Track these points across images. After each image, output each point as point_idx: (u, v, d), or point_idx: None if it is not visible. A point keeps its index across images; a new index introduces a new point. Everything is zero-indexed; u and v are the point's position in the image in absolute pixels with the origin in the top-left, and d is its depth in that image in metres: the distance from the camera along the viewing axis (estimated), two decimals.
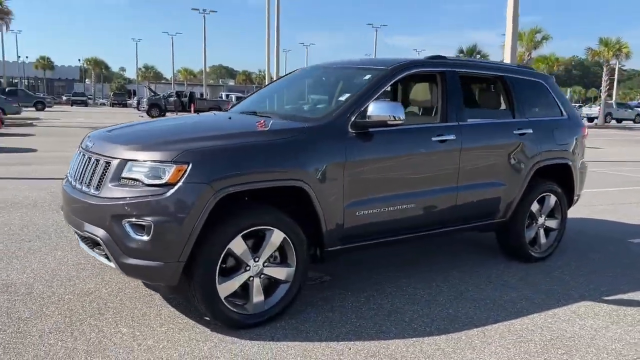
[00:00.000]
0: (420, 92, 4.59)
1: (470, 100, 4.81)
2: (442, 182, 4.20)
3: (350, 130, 3.70)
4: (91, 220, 3.25)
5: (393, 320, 3.61)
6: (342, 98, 4.02)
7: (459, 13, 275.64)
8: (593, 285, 4.45)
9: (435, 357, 3.12)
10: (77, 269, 4.37)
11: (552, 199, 5.01)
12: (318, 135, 3.58)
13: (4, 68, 63.23)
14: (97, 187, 3.26)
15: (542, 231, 5.03)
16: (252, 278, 3.38)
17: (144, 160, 3.15)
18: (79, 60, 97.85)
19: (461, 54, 41.00)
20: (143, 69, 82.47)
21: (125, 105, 56.16)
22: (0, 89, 40.24)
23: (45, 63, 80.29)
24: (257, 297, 3.41)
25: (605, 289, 4.38)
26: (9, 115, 27.84)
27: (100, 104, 67.05)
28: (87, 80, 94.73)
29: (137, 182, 3.13)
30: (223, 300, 3.26)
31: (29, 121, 25.28)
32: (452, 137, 4.20)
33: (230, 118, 4.15)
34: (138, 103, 39.40)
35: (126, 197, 3.11)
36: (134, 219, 3.07)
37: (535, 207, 4.89)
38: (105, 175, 3.24)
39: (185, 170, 3.08)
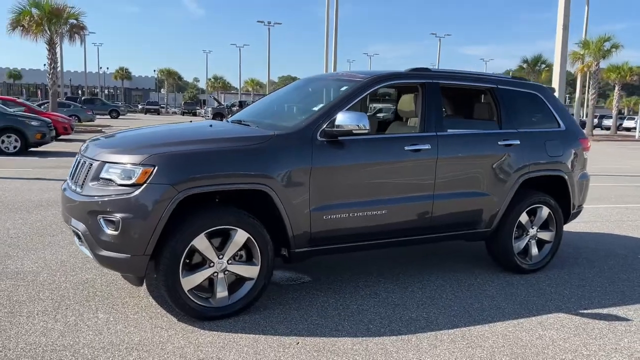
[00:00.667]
0: (405, 103, 4.73)
1: (456, 111, 4.90)
2: (416, 190, 4.32)
3: (319, 138, 3.92)
4: (75, 216, 3.65)
5: (352, 320, 3.77)
6: (316, 108, 4.23)
7: (532, 22, 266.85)
8: (575, 298, 4.41)
9: (376, 355, 3.26)
10: (84, 261, 4.82)
11: (545, 211, 4.98)
12: (283, 143, 3.82)
13: (86, 78, 67.65)
14: (82, 186, 3.65)
15: (533, 243, 5.00)
16: (216, 274, 3.65)
17: (118, 163, 3.52)
18: (154, 71, 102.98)
19: (525, 64, 39.91)
20: (212, 80, 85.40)
21: (194, 114, 58.51)
22: (79, 98, 43.12)
23: (124, 73, 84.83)
24: (221, 291, 3.68)
25: (587, 302, 4.33)
26: (83, 123, 29.93)
27: (172, 113, 70.10)
28: (162, 90, 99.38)
29: (112, 182, 3.50)
30: (186, 292, 3.55)
31: (99, 128, 26.96)
32: (427, 146, 4.31)
33: (211, 126, 4.47)
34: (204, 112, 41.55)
35: (101, 195, 3.48)
36: (106, 215, 3.43)
37: (524, 218, 4.88)
38: (87, 175, 3.63)
39: (151, 172, 3.41)
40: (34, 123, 14.18)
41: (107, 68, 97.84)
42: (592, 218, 7.69)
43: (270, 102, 5.30)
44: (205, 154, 3.60)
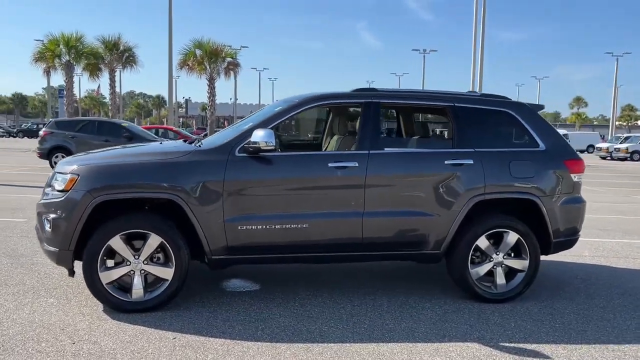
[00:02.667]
0: (347, 122, 4.82)
1: (408, 130, 4.82)
2: (342, 206, 4.37)
3: (238, 154, 4.25)
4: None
5: (253, 326, 3.96)
6: (246, 127, 4.54)
7: None
8: (522, 330, 4.04)
9: (245, 356, 3.46)
10: None
11: (512, 237, 4.60)
12: (198, 157, 4.23)
13: (235, 109, 72.21)
14: (43, 192, 4.45)
15: (499, 271, 4.65)
16: (132, 272, 4.15)
17: (60, 173, 4.24)
18: None
19: None
20: None
21: None
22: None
23: None
24: (137, 288, 4.16)
25: (533, 336, 3.93)
26: None
27: None
28: None
29: (54, 188, 4.22)
30: (104, 286, 4.11)
31: None
32: (354, 164, 4.36)
33: (160, 143, 5.02)
34: None
35: (46, 199, 4.22)
36: (45, 214, 4.16)
37: (483, 242, 4.58)
38: (47, 183, 4.42)
39: (76, 181, 4.06)
40: None
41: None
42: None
43: (239, 123, 5.69)
44: (121, 166, 4.17)
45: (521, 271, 4.68)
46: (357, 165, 4.37)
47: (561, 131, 52.39)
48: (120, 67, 32.89)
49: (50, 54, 28.44)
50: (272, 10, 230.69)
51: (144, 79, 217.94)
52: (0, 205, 9.12)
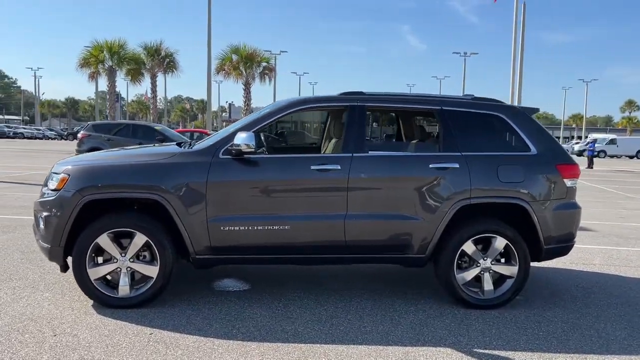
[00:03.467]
0: (335, 125, 4.86)
1: (395, 134, 4.81)
2: (324, 209, 4.41)
3: (221, 156, 4.35)
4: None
5: (230, 325, 4.04)
6: (232, 129, 4.64)
7: None
8: (502, 337, 3.97)
9: (213, 353, 3.55)
10: None
11: (500, 242, 4.53)
12: (183, 159, 4.36)
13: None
14: (40, 191, 4.67)
15: (487, 276, 4.58)
16: (119, 269, 4.31)
17: (54, 173, 4.45)
18: None
19: None
20: None
21: None
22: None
23: None
24: (123, 285, 4.31)
25: (511, 344, 3.86)
26: None
27: None
28: (374, 123, 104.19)
29: (48, 188, 4.43)
30: (92, 281, 4.28)
31: None
32: (336, 167, 4.39)
33: (154, 146, 5.16)
34: None
35: (42, 197, 4.44)
36: (40, 212, 4.37)
37: (469, 247, 4.52)
38: (44, 182, 4.64)
39: (66, 181, 4.26)
40: None
41: None
42: None
43: (231, 125, 5.79)
44: (110, 167, 4.34)
45: (510, 277, 4.60)
46: (339, 168, 4.40)
47: (608, 136, 50.76)
48: (162, 72, 33.84)
49: (94, 60, 29.56)
50: (316, 16, 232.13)
51: (191, 84, 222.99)
52: (28, 204, 9.56)
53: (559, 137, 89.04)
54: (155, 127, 18.46)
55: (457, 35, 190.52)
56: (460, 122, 4.65)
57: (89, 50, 29.80)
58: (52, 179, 4.44)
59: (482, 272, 4.58)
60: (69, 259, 4.33)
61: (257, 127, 4.51)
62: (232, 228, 4.34)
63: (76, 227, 4.25)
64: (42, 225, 4.34)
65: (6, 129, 61.50)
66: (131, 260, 4.32)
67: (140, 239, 4.27)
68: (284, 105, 4.64)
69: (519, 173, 4.56)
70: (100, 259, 4.36)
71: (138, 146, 5.69)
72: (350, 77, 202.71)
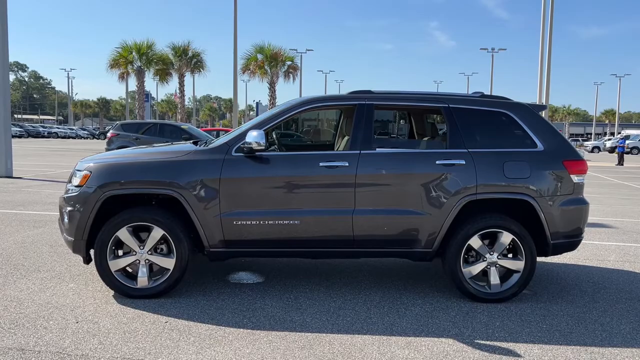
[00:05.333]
0: (347, 123, 4.99)
1: (402, 131, 4.91)
2: (333, 204, 4.56)
3: (234, 153, 4.55)
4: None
5: (242, 315, 4.24)
6: (245, 128, 4.82)
7: None
8: (505, 330, 4.06)
9: (224, 340, 3.75)
10: None
11: (506, 237, 4.61)
12: (197, 156, 4.56)
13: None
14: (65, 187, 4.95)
15: (494, 271, 4.67)
16: (138, 261, 4.54)
17: (78, 170, 4.71)
18: None
19: None
20: None
21: None
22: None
23: None
24: (142, 276, 4.54)
25: (514, 336, 3.95)
26: None
27: None
28: (401, 121, 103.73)
29: (72, 184, 4.69)
30: (113, 273, 4.52)
31: None
32: (344, 164, 4.54)
33: (171, 144, 5.38)
34: None
35: (66, 193, 4.70)
36: (64, 207, 4.64)
37: (476, 242, 4.61)
38: (69, 179, 4.91)
39: (88, 177, 4.51)
40: None
41: None
42: None
43: (246, 124, 5.98)
44: (129, 165, 4.57)
45: (516, 272, 4.68)
46: (347, 164, 4.54)
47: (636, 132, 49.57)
48: (189, 72, 34.42)
49: (123, 61, 30.28)
50: (342, 15, 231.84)
51: (220, 83, 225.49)
52: (57, 200, 9.95)
53: (590, 134, 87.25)
54: (182, 126, 18.85)
55: (486, 31, 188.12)
56: (466, 119, 4.74)
57: (119, 51, 30.60)
58: (75, 176, 4.70)
59: (489, 267, 4.67)
60: (92, 252, 4.58)
61: (268, 126, 4.69)
62: (244, 222, 4.52)
63: (98, 221, 4.50)
64: (66, 220, 4.60)
65: (41, 129, 63.58)
66: (149, 252, 4.54)
67: (157, 233, 4.49)
68: (295, 104, 4.81)
69: (525, 169, 4.63)
70: (120, 252, 4.59)
71: (156, 145, 5.93)
72: (377, 75, 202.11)
